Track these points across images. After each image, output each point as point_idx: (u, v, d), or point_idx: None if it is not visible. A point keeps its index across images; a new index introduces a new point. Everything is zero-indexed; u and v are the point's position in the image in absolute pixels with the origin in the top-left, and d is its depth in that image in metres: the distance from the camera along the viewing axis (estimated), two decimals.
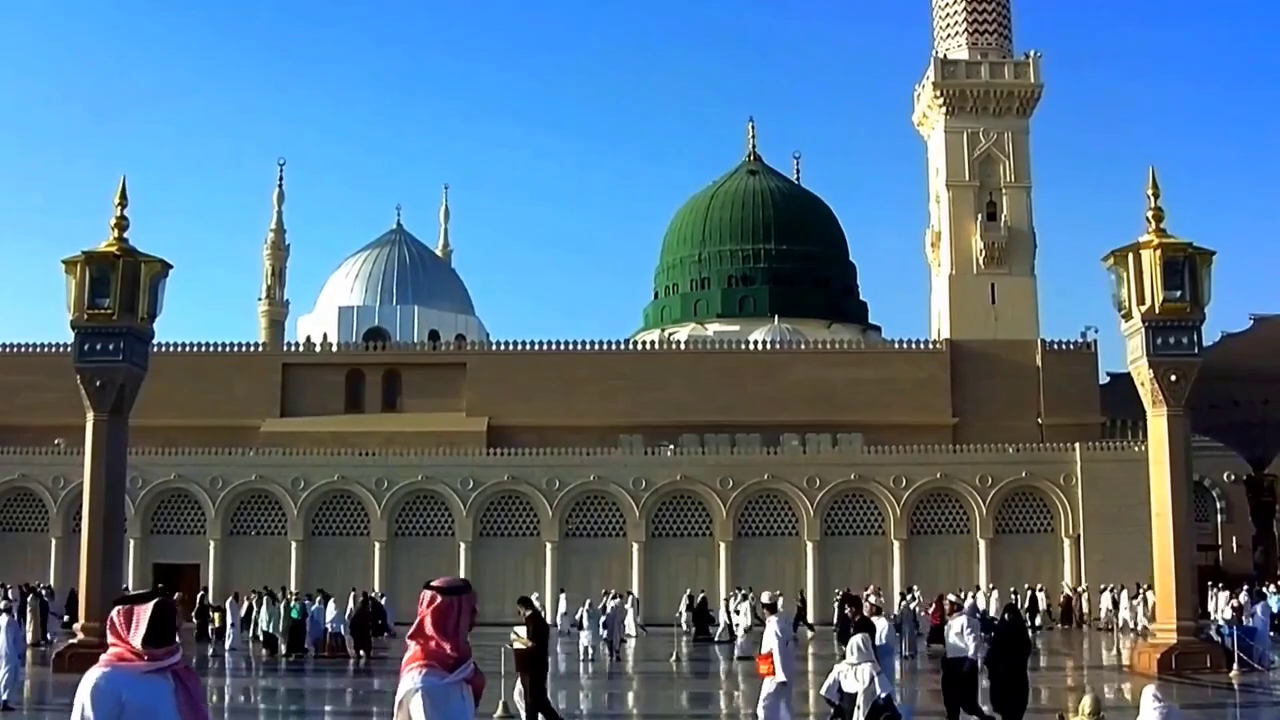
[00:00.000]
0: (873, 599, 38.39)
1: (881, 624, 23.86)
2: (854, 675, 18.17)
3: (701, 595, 52.34)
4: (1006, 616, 20.56)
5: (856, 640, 18.62)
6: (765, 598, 22.03)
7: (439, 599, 6.22)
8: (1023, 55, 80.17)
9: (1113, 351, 78.00)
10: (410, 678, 6.11)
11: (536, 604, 24.71)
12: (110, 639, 5.98)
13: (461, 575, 58.10)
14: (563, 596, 54.46)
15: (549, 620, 41.49)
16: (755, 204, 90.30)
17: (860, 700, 17.81)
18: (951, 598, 49.65)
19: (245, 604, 44.03)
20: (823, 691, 19.63)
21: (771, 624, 18.69)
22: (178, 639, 6.12)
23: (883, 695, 17.69)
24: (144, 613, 5.91)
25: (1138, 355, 32.32)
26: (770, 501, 61.03)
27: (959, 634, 20.42)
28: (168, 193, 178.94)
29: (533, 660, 19.38)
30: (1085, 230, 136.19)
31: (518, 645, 19.58)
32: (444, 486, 60.36)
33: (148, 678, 5.86)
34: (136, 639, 5.88)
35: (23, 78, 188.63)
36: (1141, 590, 48.81)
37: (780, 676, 17.96)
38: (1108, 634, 50.69)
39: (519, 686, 19.77)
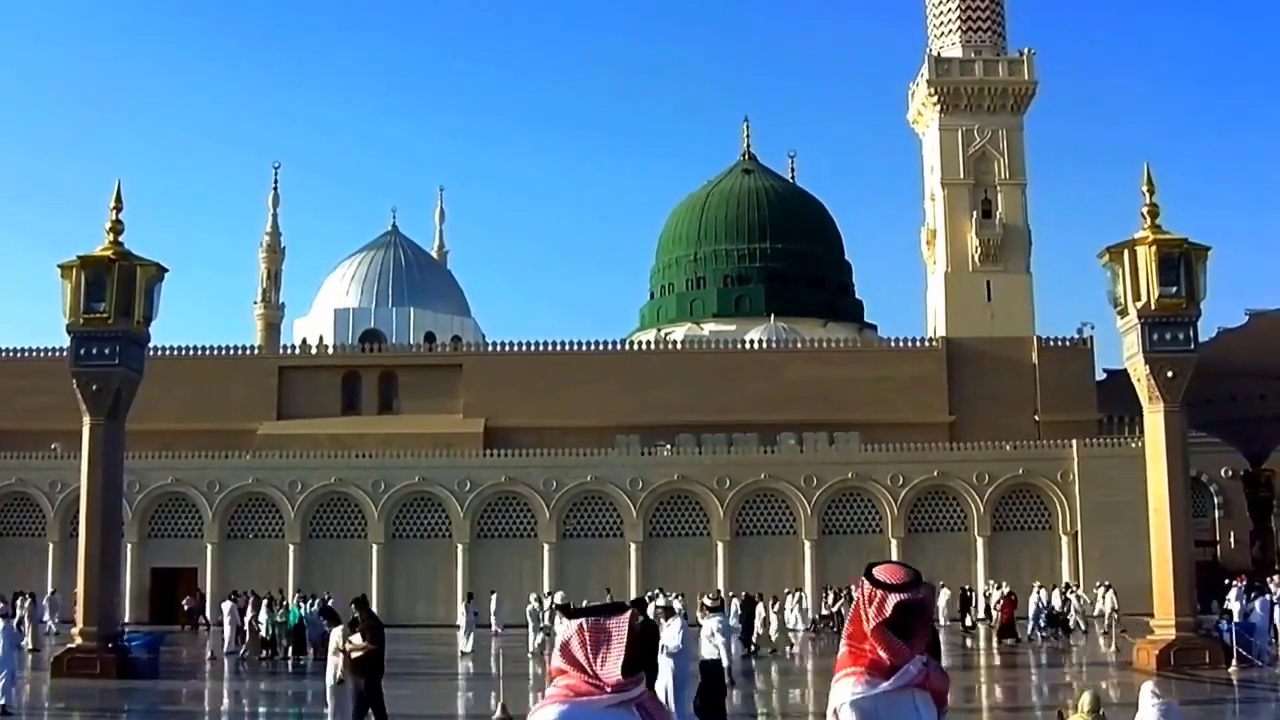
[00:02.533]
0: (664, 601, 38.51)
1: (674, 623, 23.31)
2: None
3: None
4: None
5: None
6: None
7: (889, 598, 5.19)
8: (1017, 52, 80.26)
9: (1109, 348, 77.77)
10: (841, 688, 5.26)
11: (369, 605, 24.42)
12: (561, 662, 4.81)
13: (461, 572, 58.21)
14: (559, 595, 54.35)
15: (547, 620, 41.48)
16: (750, 203, 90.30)
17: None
18: (995, 592, 49.88)
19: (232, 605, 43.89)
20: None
21: (672, 626, 18.66)
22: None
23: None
24: (618, 631, 4.75)
25: (1134, 351, 32.34)
26: (767, 501, 61.02)
27: (709, 636, 20.23)
28: (163, 196, 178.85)
29: (369, 663, 18.98)
30: (1081, 227, 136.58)
31: (353, 649, 19.13)
32: (441, 488, 60.32)
33: (611, 713, 4.74)
34: (610, 666, 4.72)
35: (17, 80, 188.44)
36: (1073, 590, 51.47)
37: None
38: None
39: (350, 689, 19.44)
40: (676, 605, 20.65)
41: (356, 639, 18.89)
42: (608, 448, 62.57)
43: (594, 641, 4.73)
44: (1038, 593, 48.20)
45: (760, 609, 44.40)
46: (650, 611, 22.16)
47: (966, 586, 55.73)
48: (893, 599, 5.16)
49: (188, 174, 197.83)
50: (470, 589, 52.68)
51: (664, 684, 19.09)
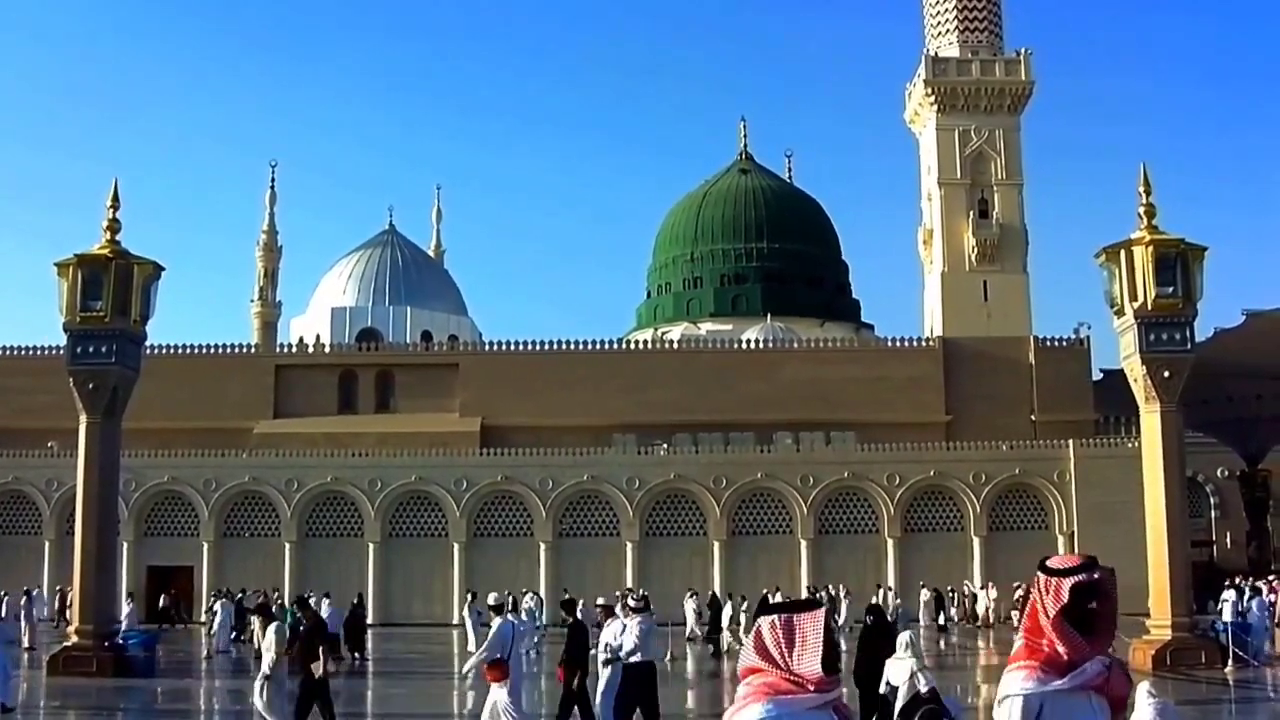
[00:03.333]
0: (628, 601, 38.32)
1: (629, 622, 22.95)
2: (897, 669, 18.13)
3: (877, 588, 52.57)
4: (871, 620, 18.86)
5: (905, 636, 18.61)
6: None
7: (1064, 582, 4.88)
8: (1014, 52, 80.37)
9: (1106, 348, 77.83)
10: (1010, 680, 4.94)
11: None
12: (756, 659, 4.58)
13: (458, 571, 58.17)
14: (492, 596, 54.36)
15: (545, 620, 41.49)
16: (747, 203, 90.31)
17: (901, 693, 17.81)
18: (983, 593, 49.94)
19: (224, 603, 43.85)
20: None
21: (494, 625, 18.60)
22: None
23: (925, 689, 17.65)
24: (814, 626, 4.55)
25: (1130, 351, 32.35)
26: (764, 500, 61.01)
27: (633, 637, 20.12)
28: (160, 194, 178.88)
29: (312, 661, 19.00)
30: (1077, 227, 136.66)
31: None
32: (437, 487, 60.28)
33: (814, 715, 4.51)
34: (810, 661, 4.49)
35: (14, 79, 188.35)
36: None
37: (504, 686, 17.84)
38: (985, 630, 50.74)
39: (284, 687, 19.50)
40: (629, 604, 20.52)
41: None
42: (604, 447, 62.56)
43: (788, 637, 4.52)
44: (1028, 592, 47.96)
45: (729, 608, 44.55)
46: (627, 609, 22.14)
47: (949, 586, 55.80)
48: (1068, 582, 4.88)
49: (185, 173, 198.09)
50: (467, 588, 52.61)
51: (603, 684, 19.03)
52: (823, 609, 4.61)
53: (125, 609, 40.70)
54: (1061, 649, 4.81)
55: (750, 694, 4.51)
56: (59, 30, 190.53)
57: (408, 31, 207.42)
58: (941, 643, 45.78)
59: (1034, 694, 4.79)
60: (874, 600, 40.04)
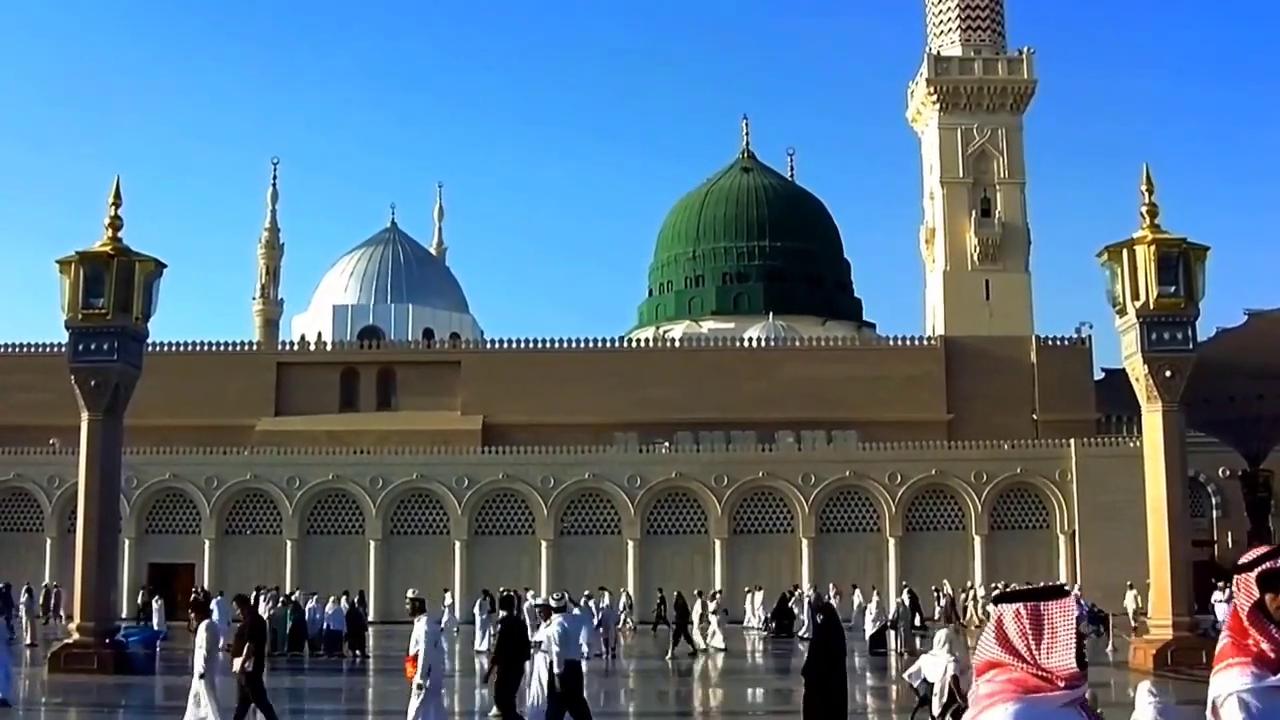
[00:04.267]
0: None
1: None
2: (933, 665, 18.20)
3: (794, 590, 52.37)
4: (820, 619, 18.54)
5: (943, 633, 18.66)
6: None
7: (1250, 575, 4.57)
8: (1016, 51, 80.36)
9: (1108, 347, 77.80)
10: (1225, 679, 4.64)
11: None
12: (998, 652, 4.16)
13: (459, 569, 58.19)
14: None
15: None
16: (749, 201, 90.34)
17: (936, 689, 17.87)
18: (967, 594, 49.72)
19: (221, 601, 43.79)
20: (905, 675, 19.63)
21: (419, 625, 18.62)
22: None
23: (954, 676, 17.72)
24: (1064, 616, 4.12)
25: (1132, 351, 32.34)
26: (765, 499, 61.03)
27: (551, 635, 20.21)
28: (162, 192, 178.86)
29: (252, 659, 19.06)
30: (1080, 226, 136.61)
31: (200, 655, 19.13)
32: (439, 485, 60.31)
33: (1065, 713, 4.10)
34: (1061, 656, 4.08)
35: (15, 77, 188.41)
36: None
37: (418, 679, 17.90)
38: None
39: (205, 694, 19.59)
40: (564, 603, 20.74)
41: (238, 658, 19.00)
42: (606, 445, 62.56)
43: (1035, 627, 4.09)
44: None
45: (697, 608, 44.57)
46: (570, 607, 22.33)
47: (932, 586, 55.45)
48: (1253, 574, 4.57)
49: (187, 170, 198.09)
50: (468, 587, 52.71)
51: (539, 682, 19.28)
52: (1071, 596, 4.23)
53: (329, 610, 40.20)
54: (1265, 647, 4.48)
55: (996, 692, 4.08)
56: (60, 29, 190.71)
57: (410, 29, 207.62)
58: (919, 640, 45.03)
59: (1255, 690, 4.47)
60: (826, 599, 40.24)
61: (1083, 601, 18.68)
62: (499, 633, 20.27)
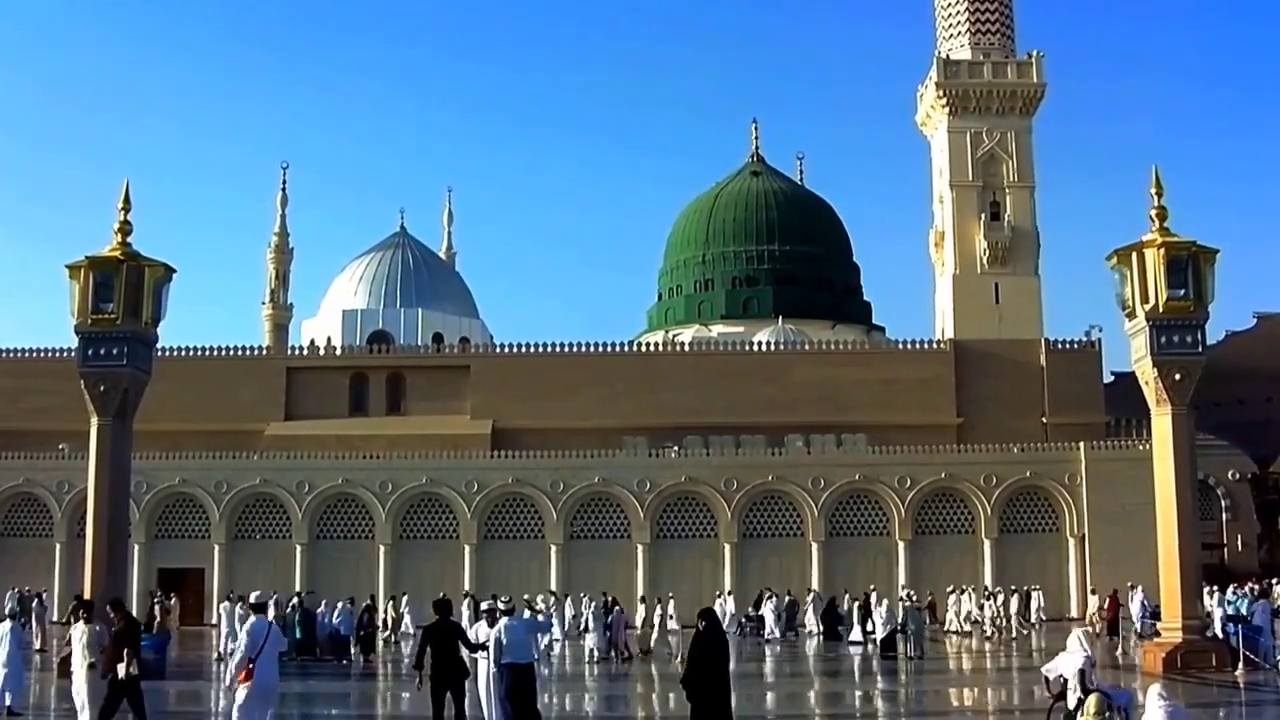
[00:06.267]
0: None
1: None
2: (1069, 663, 18.37)
3: (843, 595, 52.18)
4: (703, 625, 18.18)
5: (1077, 632, 18.82)
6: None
7: None
8: (1025, 55, 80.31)
9: (1117, 350, 77.92)
10: None
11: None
12: None
13: (469, 573, 58.18)
14: (567, 600, 54.40)
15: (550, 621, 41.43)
16: (759, 205, 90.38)
17: (1071, 684, 18.07)
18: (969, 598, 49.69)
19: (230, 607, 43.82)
20: (1044, 670, 19.75)
21: (243, 626, 18.64)
22: None
23: (1092, 685, 17.88)
24: None
25: (1142, 354, 32.28)
26: (775, 503, 61.00)
27: (491, 638, 20.24)
28: (171, 196, 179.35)
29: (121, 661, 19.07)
30: (1089, 229, 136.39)
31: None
32: (448, 489, 60.35)
33: None
34: None
35: (25, 80, 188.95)
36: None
37: (242, 688, 17.90)
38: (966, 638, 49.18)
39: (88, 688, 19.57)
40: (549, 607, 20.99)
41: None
42: (615, 449, 62.53)
43: None
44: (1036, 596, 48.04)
45: (641, 610, 44.64)
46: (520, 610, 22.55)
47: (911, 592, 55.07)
48: None
49: (196, 175, 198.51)
50: (478, 591, 52.57)
51: (488, 684, 19.66)
52: None
53: (338, 615, 40.04)
54: None
55: None
56: (71, 34, 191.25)
57: (419, 33, 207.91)
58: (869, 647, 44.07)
59: None
60: (715, 604, 40.25)
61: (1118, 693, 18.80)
62: (419, 638, 20.54)
